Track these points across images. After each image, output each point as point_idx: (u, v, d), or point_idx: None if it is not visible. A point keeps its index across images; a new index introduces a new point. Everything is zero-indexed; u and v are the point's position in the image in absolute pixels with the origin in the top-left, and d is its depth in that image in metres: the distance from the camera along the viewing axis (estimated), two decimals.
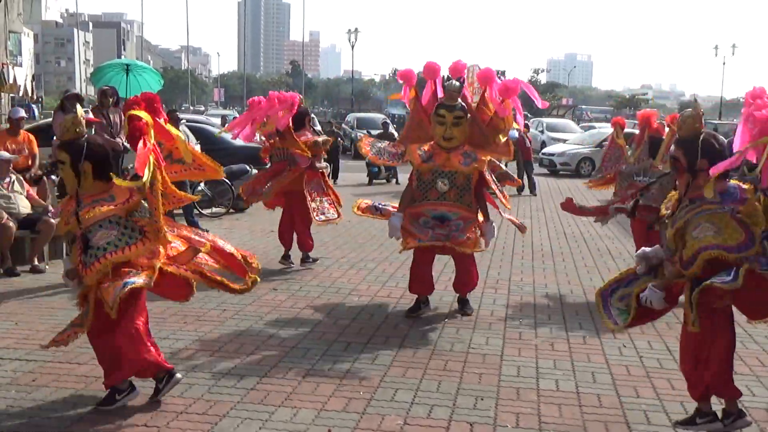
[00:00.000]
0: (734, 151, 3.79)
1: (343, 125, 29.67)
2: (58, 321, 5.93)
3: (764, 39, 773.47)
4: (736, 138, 3.77)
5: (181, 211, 10.86)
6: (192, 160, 4.57)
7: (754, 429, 4.31)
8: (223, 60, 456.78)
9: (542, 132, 31.36)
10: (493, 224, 6.56)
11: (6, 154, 8.19)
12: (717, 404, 4.18)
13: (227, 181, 12.32)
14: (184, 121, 12.63)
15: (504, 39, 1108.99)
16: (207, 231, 10.54)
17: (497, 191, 6.62)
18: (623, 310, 4.27)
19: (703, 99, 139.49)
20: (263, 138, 8.50)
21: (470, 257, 6.55)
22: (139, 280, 4.04)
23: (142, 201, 4.23)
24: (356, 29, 63.00)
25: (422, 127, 6.59)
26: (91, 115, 9.38)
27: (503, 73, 79.27)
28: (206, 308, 6.55)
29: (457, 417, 4.36)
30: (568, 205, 7.95)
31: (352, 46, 63.91)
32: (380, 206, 6.81)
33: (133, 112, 4.20)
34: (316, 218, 8.08)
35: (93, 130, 8.75)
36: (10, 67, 19.77)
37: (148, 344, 4.37)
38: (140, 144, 4.06)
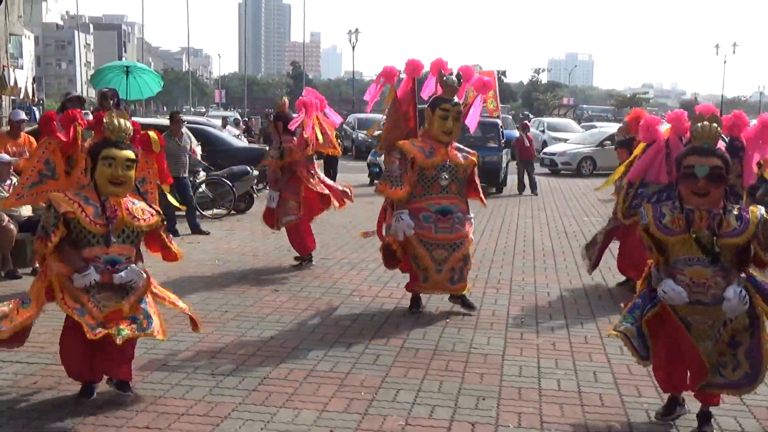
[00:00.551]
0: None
1: (344, 126, 29.67)
2: (60, 324, 5.92)
3: (765, 37, 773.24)
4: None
5: (183, 213, 10.88)
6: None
7: (757, 428, 4.30)
8: (224, 61, 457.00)
9: (543, 131, 31.37)
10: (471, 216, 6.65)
11: (6, 157, 8.20)
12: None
13: (228, 182, 12.33)
14: (185, 122, 12.62)
15: (505, 39, 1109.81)
16: (208, 233, 10.62)
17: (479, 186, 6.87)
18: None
19: (704, 98, 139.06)
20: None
21: (465, 257, 6.56)
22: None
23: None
24: (357, 30, 62.98)
25: (399, 127, 6.62)
26: (91, 117, 9.37)
27: (504, 73, 79.44)
28: (207, 310, 6.55)
29: (458, 417, 4.35)
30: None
31: (353, 47, 63.88)
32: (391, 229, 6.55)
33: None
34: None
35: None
36: (11, 69, 19.81)
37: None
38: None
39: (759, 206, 4.11)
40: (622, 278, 7.83)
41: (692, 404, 4.48)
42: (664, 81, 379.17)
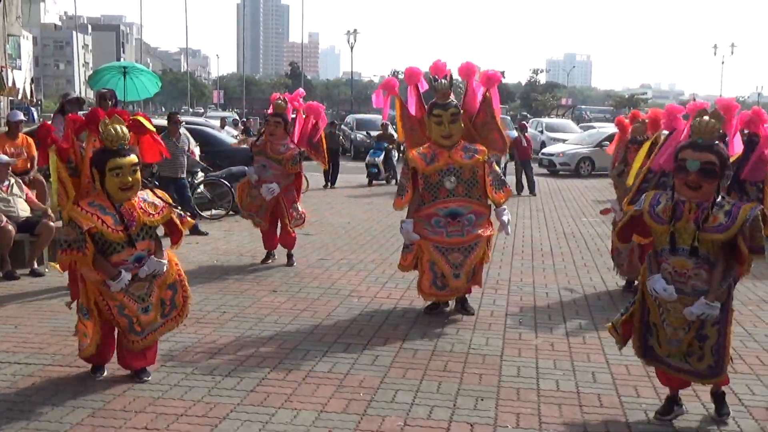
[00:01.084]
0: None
1: (343, 126, 29.68)
2: (58, 324, 5.94)
3: (763, 38, 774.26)
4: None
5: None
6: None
7: (755, 427, 4.31)
8: (223, 62, 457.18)
9: (542, 132, 31.37)
10: (505, 208, 6.51)
11: (5, 158, 8.19)
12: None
13: (227, 183, 12.32)
14: (183, 123, 12.61)
15: (503, 40, 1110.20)
16: (207, 233, 10.62)
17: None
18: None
19: (702, 98, 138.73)
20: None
21: (481, 258, 6.49)
22: None
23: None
24: (355, 30, 63.12)
25: (415, 131, 6.71)
26: None
27: (502, 73, 79.68)
28: (205, 310, 6.55)
29: (457, 418, 4.36)
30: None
31: (352, 48, 64.00)
32: (407, 243, 6.58)
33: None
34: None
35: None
36: (9, 70, 19.79)
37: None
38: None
39: (757, 205, 4.12)
40: (621, 280, 7.82)
41: (690, 404, 4.49)
42: (662, 81, 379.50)
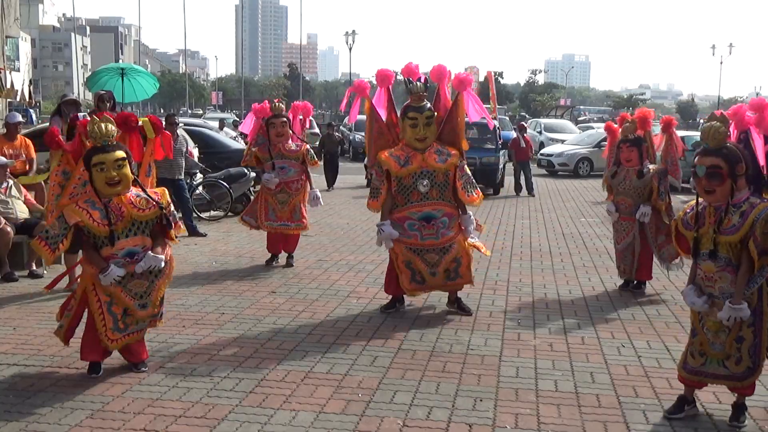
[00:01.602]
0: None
1: (341, 127, 29.67)
2: (56, 326, 5.92)
3: (761, 38, 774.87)
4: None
5: (179, 215, 10.88)
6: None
7: (754, 427, 4.31)
8: (221, 63, 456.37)
9: (540, 133, 31.39)
10: (470, 215, 6.56)
11: (3, 159, 8.19)
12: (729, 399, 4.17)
13: (225, 184, 12.32)
14: (181, 124, 12.62)
15: (501, 40, 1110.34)
16: (205, 235, 10.62)
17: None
18: None
19: (700, 98, 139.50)
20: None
21: (463, 255, 6.47)
22: None
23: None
24: (354, 31, 63.05)
25: (383, 135, 6.64)
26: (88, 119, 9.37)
27: (501, 74, 79.48)
28: (204, 312, 6.55)
29: (456, 418, 4.36)
30: None
31: (350, 49, 63.91)
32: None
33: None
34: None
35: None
36: (8, 71, 19.77)
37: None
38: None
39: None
40: (620, 280, 7.83)
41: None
42: (660, 82, 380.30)
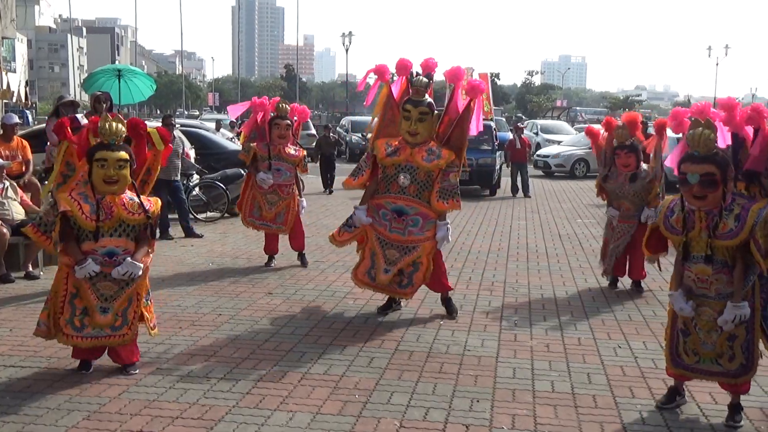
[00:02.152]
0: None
1: (338, 128, 29.67)
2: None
3: (756, 39, 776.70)
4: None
5: (176, 216, 10.87)
6: None
7: (749, 428, 4.32)
8: (218, 64, 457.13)
9: (537, 134, 31.42)
10: (448, 225, 6.46)
11: (0, 161, 8.17)
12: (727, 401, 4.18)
13: (222, 185, 12.31)
14: (178, 126, 12.60)
15: (498, 41, 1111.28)
16: (202, 236, 10.61)
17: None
18: None
19: (696, 99, 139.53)
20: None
21: (427, 260, 6.38)
22: None
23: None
24: (350, 33, 63.10)
25: (393, 123, 6.57)
26: (86, 121, 9.35)
27: (497, 75, 79.57)
28: (201, 313, 6.55)
29: (453, 419, 4.36)
30: None
31: (347, 50, 63.95)
32: (349, 221, 6.57)
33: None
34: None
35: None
36: (4, 72, 19.74)
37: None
38: None
39: (765, 205, 4.11)
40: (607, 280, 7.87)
41: (685, 406, 4.50)
42: (656, 83, 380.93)
